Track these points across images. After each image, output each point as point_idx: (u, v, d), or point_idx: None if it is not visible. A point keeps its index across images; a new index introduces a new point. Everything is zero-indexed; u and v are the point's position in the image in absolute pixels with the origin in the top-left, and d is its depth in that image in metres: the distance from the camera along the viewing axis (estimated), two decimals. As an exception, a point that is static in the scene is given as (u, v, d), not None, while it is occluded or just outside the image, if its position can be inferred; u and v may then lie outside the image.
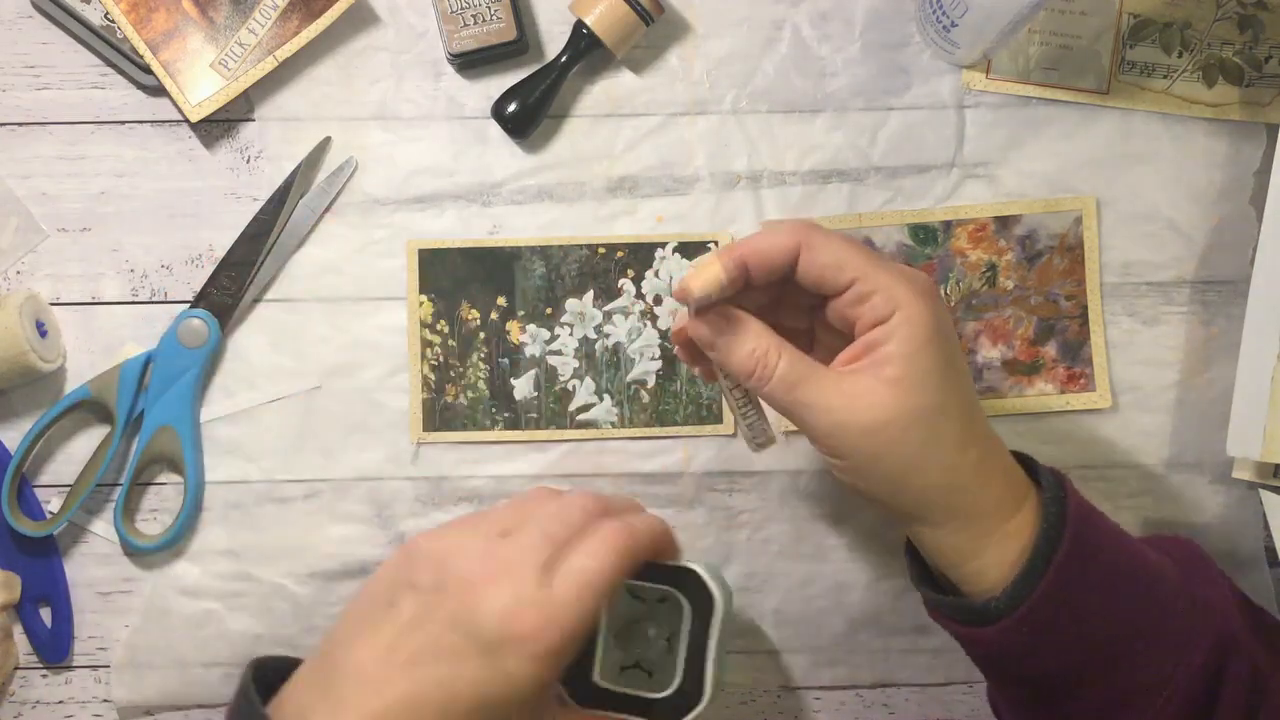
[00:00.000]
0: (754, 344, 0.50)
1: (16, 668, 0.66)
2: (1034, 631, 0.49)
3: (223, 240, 0.66)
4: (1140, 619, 0.50)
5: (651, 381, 0.66)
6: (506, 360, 0.66)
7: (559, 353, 0.66)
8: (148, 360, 0.65)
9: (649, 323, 0.66)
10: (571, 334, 0.67)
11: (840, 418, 0.48)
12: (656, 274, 0.67)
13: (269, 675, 0.47)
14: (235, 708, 0.46)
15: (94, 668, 0.66)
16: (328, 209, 0.67)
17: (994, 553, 0.50)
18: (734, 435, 0.65)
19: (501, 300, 0.66)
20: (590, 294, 0.67)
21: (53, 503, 0.66)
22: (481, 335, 0.66)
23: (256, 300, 0.67)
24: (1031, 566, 0.49)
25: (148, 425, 0.65)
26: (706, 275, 0.49)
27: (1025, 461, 0.53)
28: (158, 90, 0.66)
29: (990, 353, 0.66)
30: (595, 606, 0.44)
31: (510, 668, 0.42)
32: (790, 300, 0.54)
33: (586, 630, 0.44)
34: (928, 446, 0.49)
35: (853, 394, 0.48)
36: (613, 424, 0.66)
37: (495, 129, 0.67)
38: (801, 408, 0.49)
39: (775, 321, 0.53)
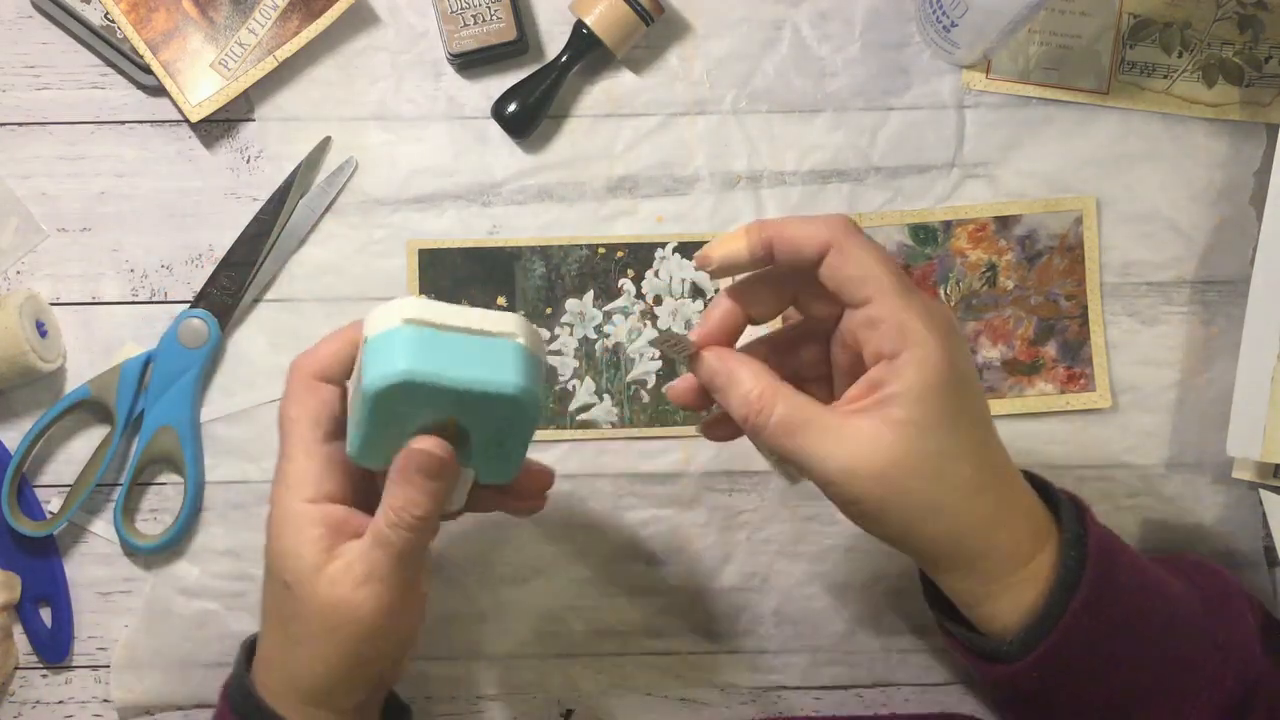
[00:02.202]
0: (749, 386, 0.47)
1: (16, 668, 0.66)
2: (1045, 677, 0.48)
3: (223, 240, 0.66)
4: (1158, 666, 0.49)
5: (651, 382, 0.66)
6: (506, 360, 0.66)
7: (559, 353, 0.66)
8: (148, 360, 0.65)
9: (649, 323, 0.67)
10: (571, 334, 0.67)
11: (843, 463, 0.46)
12: (656, 274, 0.67)
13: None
14: (227, 685, 0.55)
15: (94, 668, 0.66)
16: (328, 209, 0.67)
17: (1009, 599, 0.49)
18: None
19: (501, 300, 0.67)
20: (590, 294, 0.67)
21: (53, 503, 0.66)
22: (481, 335, 0.66)
23: (256, 300, 0.67)
24: (1046, 614, 0.48)
25: (148, 425, 0.65)
26: (730, 247, 0.48)
27: (1044, 488, 0.52)
28: (158, 90, 0.66)
29: (990, 353, 0.66)
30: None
31: None
32: (807, 330, 0.52)
33: None
34: (937, 492, 0.46)
35: (855, 439, 0.46)
36: (613, 424, 0.66)
37: (495, 129, 0.67)
38: (803, 454, 0.47)
39: (791, 358, 0.52)
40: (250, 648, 0.55)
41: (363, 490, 0.52)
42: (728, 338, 0.50)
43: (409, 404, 0.46)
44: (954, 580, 0.50)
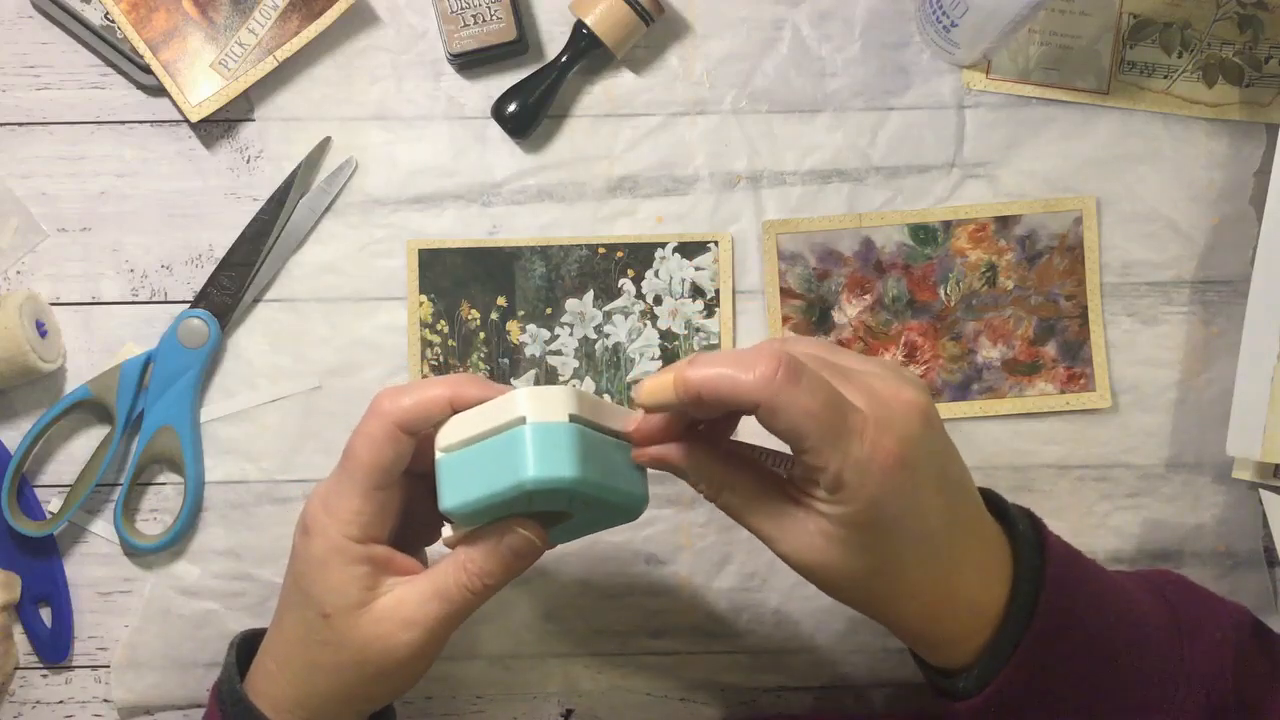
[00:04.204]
0: (696, 477, 0.49)
1: (16, 668, 0.66)
2: (1003, 711, 0.48)
3: (223, 240, 0.66)
4: (1120, 693, 0.49)
5: (651, 381, 0.66)
6: (506, 360, 0.66)
7: (559, 353, 0.67)
8: (148, 360, 0.65)
9: (649, 323, 0.67)
10: (571, 334, 0.67)
11: (782, 550, 0.48)
12: (656, 274, 0.67)
13: (252, 643, 0.56)
14: (218, 686, 0.55)
15: (94, 668, 0.66)
16: (328, 209, 0.67)
17: (962, 643, 0.49)
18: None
19: (501, 300, 0.67)
20: (590, 294, 0.67)
21: (53, 503, 0.66)
22: (481, 335, 0.66)
23: (256, 300, 0.67)
24: (998, 652, 0.48)
25: (148, 425, 0.65)
26: (659, 394, 0.46)
27: (1000, 508, 0.51)
28: (158, 90, 0.66)
29: (990, 353, 0.66)
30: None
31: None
32: None
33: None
34: (864, 596, 0.49)
35: (794, 530, 0.47)
36: (613, 424, 0.66)
37: (495, 129, 0.67)
38: (753, 533, 0.49)
39: None
40: (241, 648, 0.55)
41: (394, 530, 0.52)
42: (669, 432, 0.49)
43: (548, 496, 0.47)
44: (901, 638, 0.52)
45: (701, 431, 0.50)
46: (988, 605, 0.49)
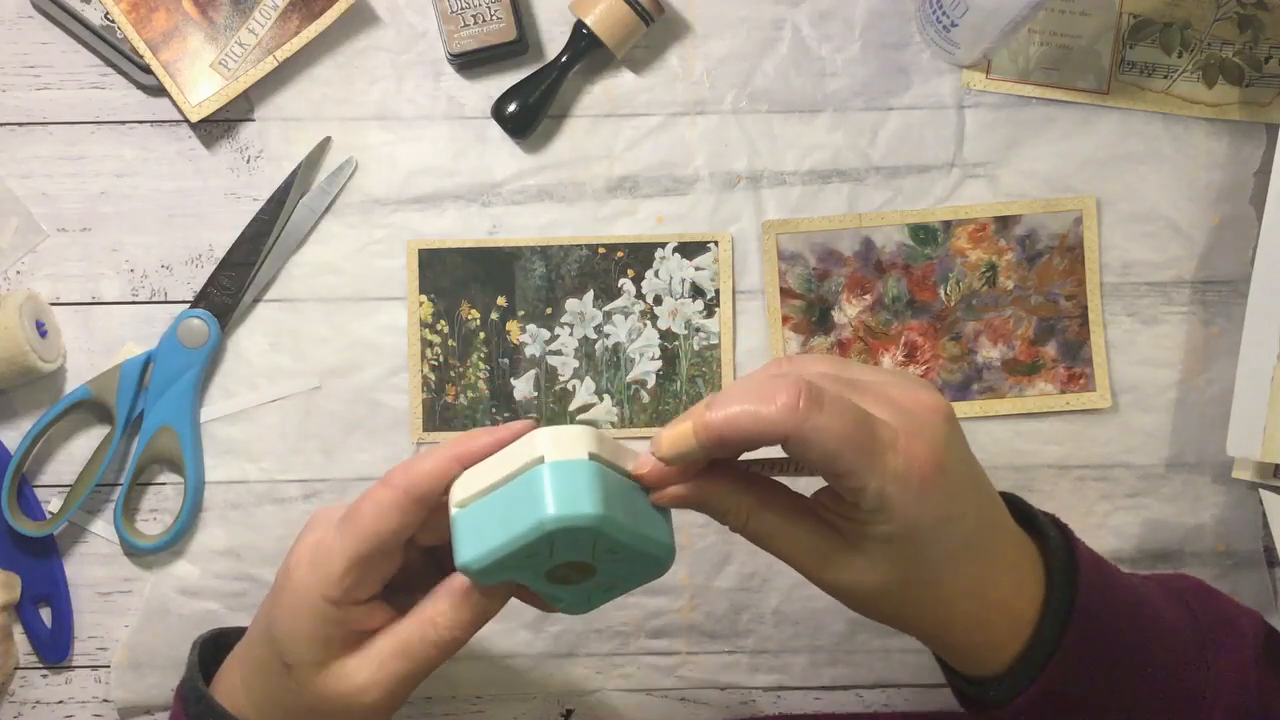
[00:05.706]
0: (723, 510, 0.47)
1: (16, 668, 0.66)
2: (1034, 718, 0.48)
3: (223, 240, 0.66)
4: (1148, 701, 0.49)
5: (651, 381, 0.66)
6: (506, 360, 0.66)
7: (559, 353, 0.67)
8: (148, 360, 0.65)
9: (649, 323, 0.67)
10: (571, 334, 0.67)
11: (812, 574, 0.47)
12: (656, 274, 0.67)
13: (224, 640, 0.55)
14: (182, 686, 0.54)
15: (94, 668, 0.66)
16: (328, 209, 0.67)
17: (993, 653, 0.49)
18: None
19: (501, 300, 0.67)
20: (590, 294, 0.67)
21: (53, 503, 0.66)
22: (481, 335, 0.66)
23: (256, 300, 0.67)
24: (1031, 660, 0.47)
25: (148, 425, 0.65)
26: (680, 443, 0.44)
27: (1028, 517, 0.51)
28: (158, 90, 0.66)
29: (990, 353, 0.66)
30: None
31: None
32: None
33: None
34: (898, 611, 0.48)
35: (826, 554, 0.46)
36: (613, 424, 0.66)
37: (495, 129, 0.67)
38: (780, 557, 0.47)
39: None
40: (204, 647, 0.55)
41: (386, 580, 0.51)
42: (682, 471, 0.47)
43: (571, 540, 0.44)
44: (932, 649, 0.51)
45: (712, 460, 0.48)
46: (1023, 610, 0.48)
